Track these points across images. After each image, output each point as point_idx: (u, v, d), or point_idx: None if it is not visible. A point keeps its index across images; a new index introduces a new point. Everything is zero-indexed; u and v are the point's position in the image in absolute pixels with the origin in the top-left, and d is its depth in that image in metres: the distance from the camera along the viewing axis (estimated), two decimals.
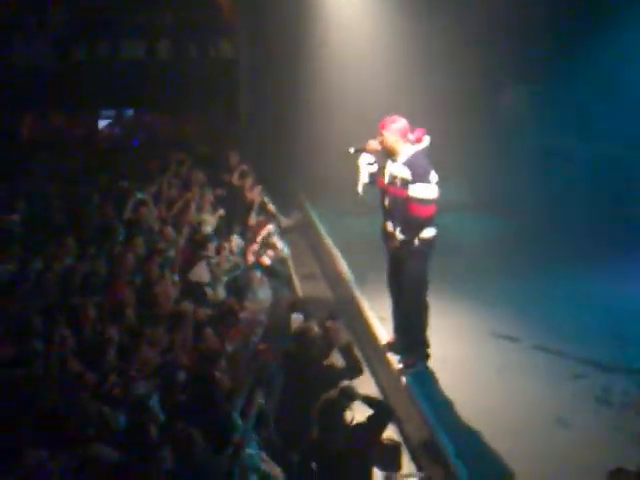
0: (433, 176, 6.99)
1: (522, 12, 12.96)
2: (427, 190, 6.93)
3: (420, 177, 6.92)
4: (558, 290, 9.35)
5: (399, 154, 7.05)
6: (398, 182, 7.04)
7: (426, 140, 7.11)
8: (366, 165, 7.31)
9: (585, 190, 11.81)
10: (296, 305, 8.19)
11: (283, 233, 11.01)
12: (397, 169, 7.05)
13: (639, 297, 9.07)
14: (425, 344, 7.46)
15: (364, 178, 7.32)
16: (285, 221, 11.75)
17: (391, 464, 6.17)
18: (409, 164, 6.98)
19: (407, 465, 6.40)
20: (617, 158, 11.79)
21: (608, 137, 11.89)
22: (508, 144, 13.13)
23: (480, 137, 13.26)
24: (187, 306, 7.59)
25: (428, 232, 7.08)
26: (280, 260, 9.94)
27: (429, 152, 7.09)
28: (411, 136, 7.10)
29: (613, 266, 9.98)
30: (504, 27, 13.16)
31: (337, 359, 6.85)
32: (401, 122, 7.10)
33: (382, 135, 7.10)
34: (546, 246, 10.78)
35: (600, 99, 12.09)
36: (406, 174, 6.96)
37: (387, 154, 7.15)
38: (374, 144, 7.21)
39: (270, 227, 10.32)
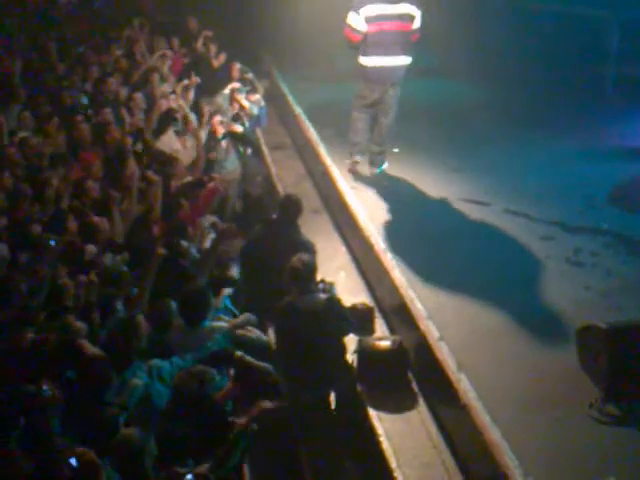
0: (366, 10, 7.99)
1: None
2: (350, 16, 8.13)
3: (353, 6, 8.10)
4: (526, 155, 9.29)
5: None
6: None
7: None
8: None
9: (555, 52, 11.53)
10: None
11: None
12: None
13: (607, 160, 9.08)
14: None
15: None
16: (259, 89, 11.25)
17: (365, 328, 6.26)
18: None
19: (380, 329, 6.49)
20: (588, 18, 11.47)
21: None
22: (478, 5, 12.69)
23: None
24: (154, 177, 7.47)
25: (360, 58, 8.25)
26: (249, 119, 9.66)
27: None
28: None
29: (581, 130, 9.90)
30: None
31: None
32: None
33: None
34: (514, 112, 10.61)
35: None
36: None
37: None
38: None
39: (236, 84, 9.98)
